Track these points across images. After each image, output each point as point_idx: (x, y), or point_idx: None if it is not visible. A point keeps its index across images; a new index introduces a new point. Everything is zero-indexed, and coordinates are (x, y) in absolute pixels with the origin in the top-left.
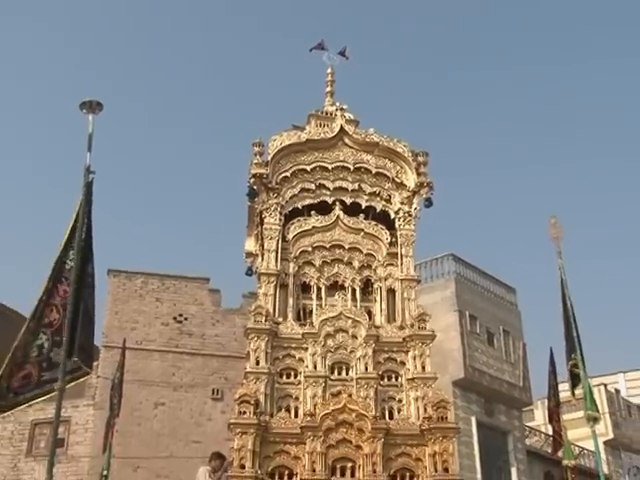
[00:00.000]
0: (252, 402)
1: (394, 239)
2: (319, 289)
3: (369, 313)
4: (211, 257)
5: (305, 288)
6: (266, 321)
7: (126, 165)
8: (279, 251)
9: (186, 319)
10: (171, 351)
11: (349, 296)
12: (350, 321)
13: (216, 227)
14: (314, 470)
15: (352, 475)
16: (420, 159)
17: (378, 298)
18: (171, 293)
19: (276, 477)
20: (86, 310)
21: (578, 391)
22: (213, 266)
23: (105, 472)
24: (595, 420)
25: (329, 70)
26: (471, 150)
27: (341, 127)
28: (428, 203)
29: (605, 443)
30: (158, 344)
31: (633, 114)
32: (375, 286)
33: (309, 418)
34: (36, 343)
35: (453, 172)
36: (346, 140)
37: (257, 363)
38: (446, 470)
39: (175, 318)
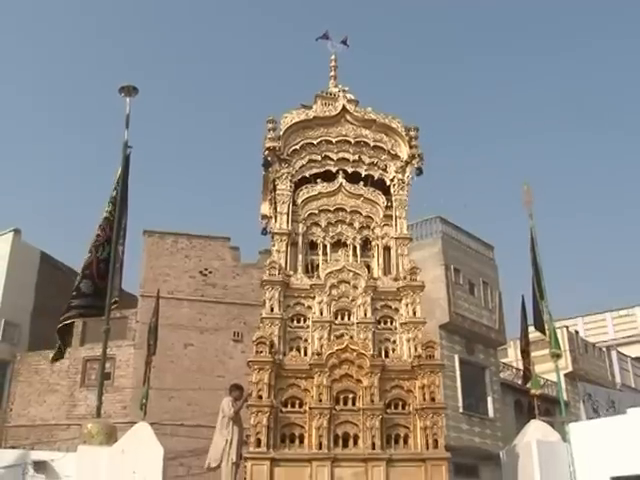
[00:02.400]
0: (267, 343)
1: (389, 203)
2: (324, 246)
3: (368, 267)
4: (232, 219)
5: (312, 245)
6: (279, 274)
7: (160, 139)
8: (290, 214)
9: (210, 272)
10: (198, 300)
11: (350, 252)
12: (351, 274)
13: (236, 193)
14: (321, 400)
15: (353, 404)
16: (412, 133)
17: (375, 254)
18: (197, 250)
19: (288, 406)
20: (118, 258)
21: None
22: (233, 227)
23: (144, 401)
24: (558, 356)
25: (333, 57)
26: (458, 126)
27: (343, 106)
28: (419, 172)
29: (565, 375)
30: (186, 294)
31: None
32: (373, 244)
33: (316, 357)
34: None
35: (442, 144)
36: (347, 117)
37: (271, 310)
38: (433, 400)
39: (201, 272)
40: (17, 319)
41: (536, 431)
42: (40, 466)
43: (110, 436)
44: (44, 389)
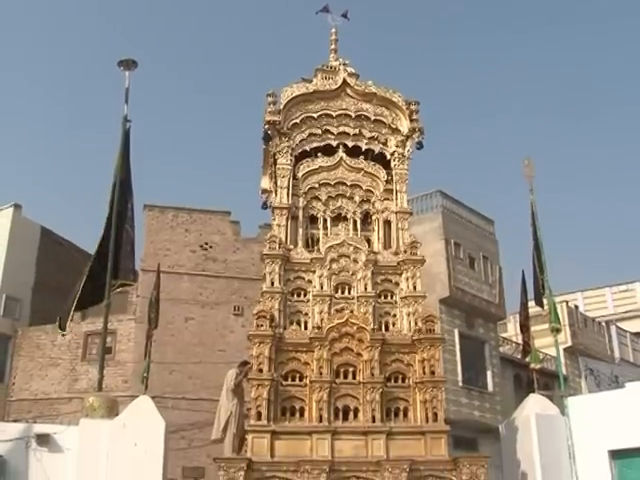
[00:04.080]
0: (268, 317)
1: (390, 177)
2: (325, 220)
3: (368, 241)
4: (232, 193)
5: (313, 220)
6: (279, 248)
7: (160, 114)
8: (290, 188)
9: (211, 247)
10: (198, 274)
11: (350, 226)
12: (352, 248)
13: (236, 167)
14: (321, 373)
15: (354, 377)
16: (413, 107)
17: (376, 228)
18: (198, 224)
19: (289, 379)
20: (128, 239)
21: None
22: (234, 201)
23: (145, 374)
24: (557, 331)
25: (333, 30)
26: (459, 100)
27: (344, 80)
28: (419, 146)
29: (564, 350)
30: (187, 268)
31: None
32: (373, 218)
33: (317, 330)
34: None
35: (443, 119)
36: (348, 91)
37: (272, 284)
38: (433, 373)
39: (201, 246)
40: (18, 294)
41: (535, 405)
42: (43, 439)
43: (111, 409)
44: (46, 363)
